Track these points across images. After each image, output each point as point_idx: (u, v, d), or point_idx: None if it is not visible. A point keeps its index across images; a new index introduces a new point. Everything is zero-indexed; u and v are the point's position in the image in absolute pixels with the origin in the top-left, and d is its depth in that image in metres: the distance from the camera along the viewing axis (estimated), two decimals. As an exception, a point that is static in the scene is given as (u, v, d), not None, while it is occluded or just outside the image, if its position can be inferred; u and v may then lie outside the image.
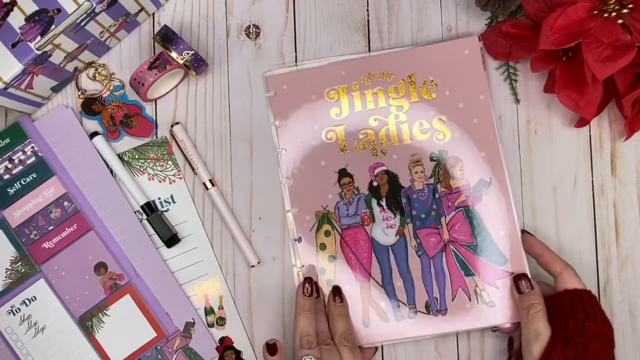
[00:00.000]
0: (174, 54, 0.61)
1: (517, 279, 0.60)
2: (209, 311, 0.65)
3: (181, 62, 0.61)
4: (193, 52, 0.61)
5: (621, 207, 0.65)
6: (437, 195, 0.63)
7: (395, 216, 0.64)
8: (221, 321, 0.65)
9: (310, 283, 0.61)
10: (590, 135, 0.66)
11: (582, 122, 0.63)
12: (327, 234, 0.64)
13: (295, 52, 0.66)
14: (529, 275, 0.60)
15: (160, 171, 0.66)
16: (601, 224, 0.65)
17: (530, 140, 0.65)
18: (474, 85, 0.64)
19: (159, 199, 0.66)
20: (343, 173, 0.64)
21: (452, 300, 0.62)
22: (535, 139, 0.66)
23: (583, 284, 0.58)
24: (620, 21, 0.54)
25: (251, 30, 0.67)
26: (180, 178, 0.66)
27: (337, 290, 0.62)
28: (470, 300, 0.62)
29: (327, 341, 0.59)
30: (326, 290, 0.63)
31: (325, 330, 0.60)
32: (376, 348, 0.63)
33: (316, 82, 0.65)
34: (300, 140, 0.64)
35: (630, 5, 0.54)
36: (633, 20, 0.54)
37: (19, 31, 0.57)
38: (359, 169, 0.64)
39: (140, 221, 0.65)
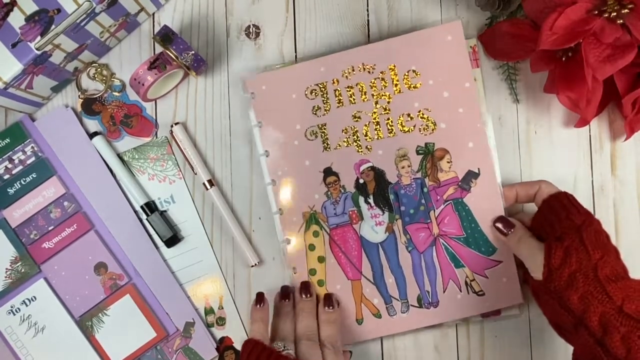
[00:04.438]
0: (173, 54, 0.61)
1: (497, 222, 0.61)
2: (209, 311, 0.65)
3: (181, 62, 0.61)
4: (193, 52, 0.61)
5: (621, 207, 0.65)
6: (425, 190, 0.63)
7: (384, 213, 0.63)
8: (221, 321, 0.65)
9: (307, 289, 0.62)
10: (590, 135, 0.66)
11: (582, 122, 0.63)
12: (315, 234, 0.63)
13: (295, 52, 0.66)
14: (504, 216, 0.61)
15: (160, 171, 0.66)
16: (601, 224, 0.65)
17: (530, 140, 0.65)
18: (459, 72, 0.62)
19: (159, 199, 0.66)
20: (328, 172, 0.63)
21: (444, 292, 0.62)
22: (535, 139, 0.66)
23: (557, 189, 0.59)
24: (620, 21, 0.54)
25: (251, 30, 0.67)
26: (180, 178, 0.66)
27: (328, 297, 0.62)
28: (460, 291, 0.62)
29: (312, 337, 0.58)
30: (317, 290, 0.63)
31: (313, 327, 0.60)
32: (351, 352, 0.63)
33: (295, 80, 0.63)
34: (282, 141, 0.63)
35: (630, 5, 0.54)
36: (633, 20, 0.54)
37: (19, 31, 0.57)
38: (344, 167, 0.63)
39: (140, 221, 0.65)
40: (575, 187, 0.65)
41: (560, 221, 0.56)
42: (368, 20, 0.66)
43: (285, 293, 0.62)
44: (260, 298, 0.61)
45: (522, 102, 0.66)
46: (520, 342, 0.65)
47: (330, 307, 0.61)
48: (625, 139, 0.63)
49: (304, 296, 0.61)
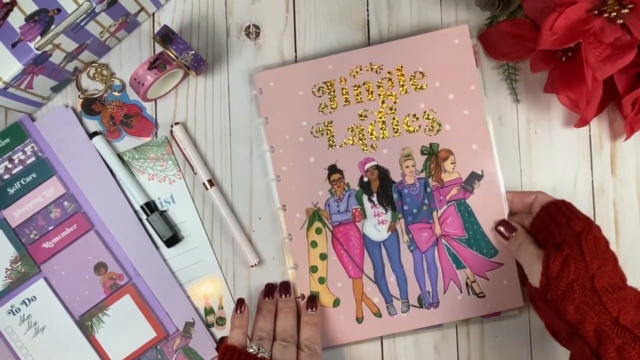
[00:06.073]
0: (173, 54, 0.61)
1: (499, 226, 0.61)
2: (209, 311, 0.65)
3: (181, 62, 0.61)
4: (193, 52, 0.61)
5: (621, 207, 0.65)
6: (428, 190, 0.63)
7: (387, 212, 0.63)
8: (221, 321, 0.65)
9: (285, 290, 0.63)
10: (590, 135, 0.66)
11: (582, 122, 0.63)
12: (318, 231, 0.64)
13: (295, 52, 0.66)
14: (507, 219, 0.62)
15: (160, 171, 0.66)
16: (601, 224, 0.64)
17: (530, 140, 0.65)
18: (465, 75, 0.63)
19: (159, 199, 0.66)
20: (333, 169, 0.64)
21: (444, 293, 0.63)
22: (535, 139, 0.66)
23: (555, 199, 0.59)
24: (620, 21, 0.54)
25: (251, 30, 0.67)
26: (180, 178, 0.66)
27: (311, 300, 0.62)
28: (461, 292, 0.63)
29: (288, 339, 0.59)
30: (318, 287, 0.63)
31: (290, 329, 0.60)
32: None
33: (303, 77, 0.64)
34: (288, 137, 0.64)
35: (630, 5, 0.54)
36: (633, 20, 0.54)
37: (19, 31, 0.57)
38: (349, 165, 0.64)
39: (140, 221, 0.65)
40: (575, 187, 0.65)
41: (560, 228, 0.56)
42: (368, 20, 0.66)
43: (269, 291, 0.63)
44: (240, 304, 0.62)
45: (522, 102, 0.66)
46: (520, 342, 0.65)
47: (312, 310, 0.62)
48: (625, 139, 0.63)
49: (283, 296, 0.63)
